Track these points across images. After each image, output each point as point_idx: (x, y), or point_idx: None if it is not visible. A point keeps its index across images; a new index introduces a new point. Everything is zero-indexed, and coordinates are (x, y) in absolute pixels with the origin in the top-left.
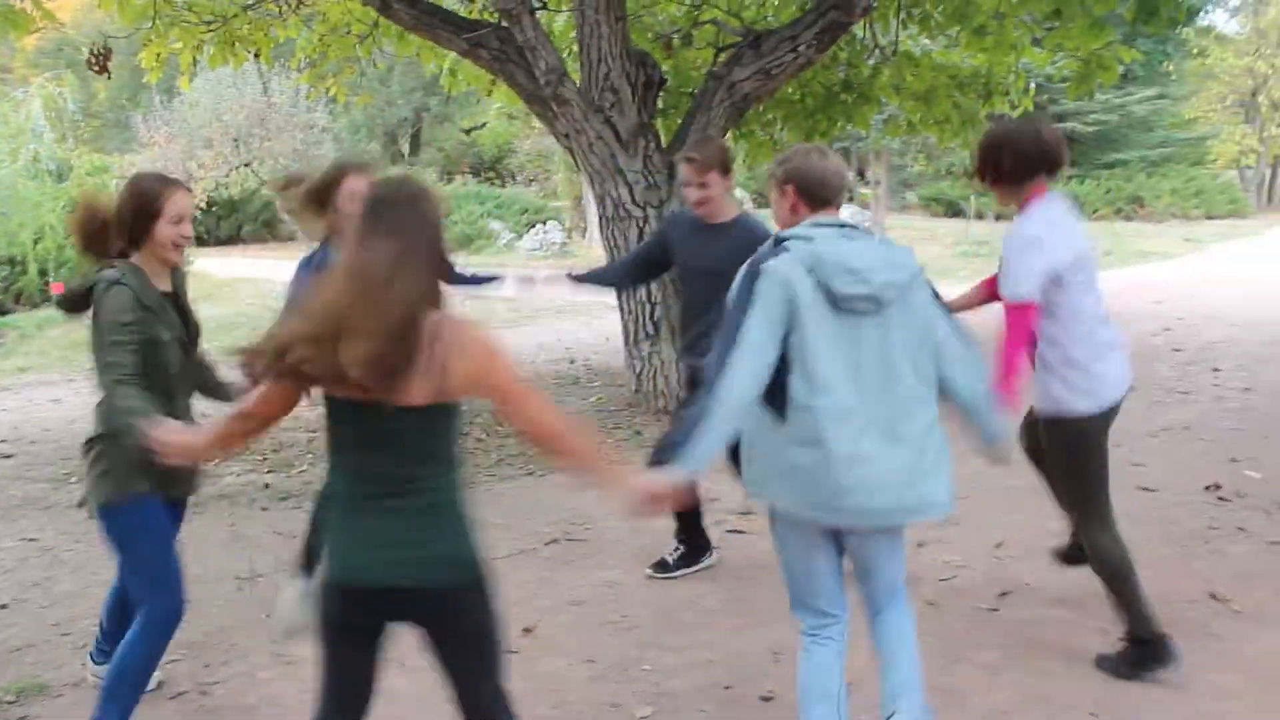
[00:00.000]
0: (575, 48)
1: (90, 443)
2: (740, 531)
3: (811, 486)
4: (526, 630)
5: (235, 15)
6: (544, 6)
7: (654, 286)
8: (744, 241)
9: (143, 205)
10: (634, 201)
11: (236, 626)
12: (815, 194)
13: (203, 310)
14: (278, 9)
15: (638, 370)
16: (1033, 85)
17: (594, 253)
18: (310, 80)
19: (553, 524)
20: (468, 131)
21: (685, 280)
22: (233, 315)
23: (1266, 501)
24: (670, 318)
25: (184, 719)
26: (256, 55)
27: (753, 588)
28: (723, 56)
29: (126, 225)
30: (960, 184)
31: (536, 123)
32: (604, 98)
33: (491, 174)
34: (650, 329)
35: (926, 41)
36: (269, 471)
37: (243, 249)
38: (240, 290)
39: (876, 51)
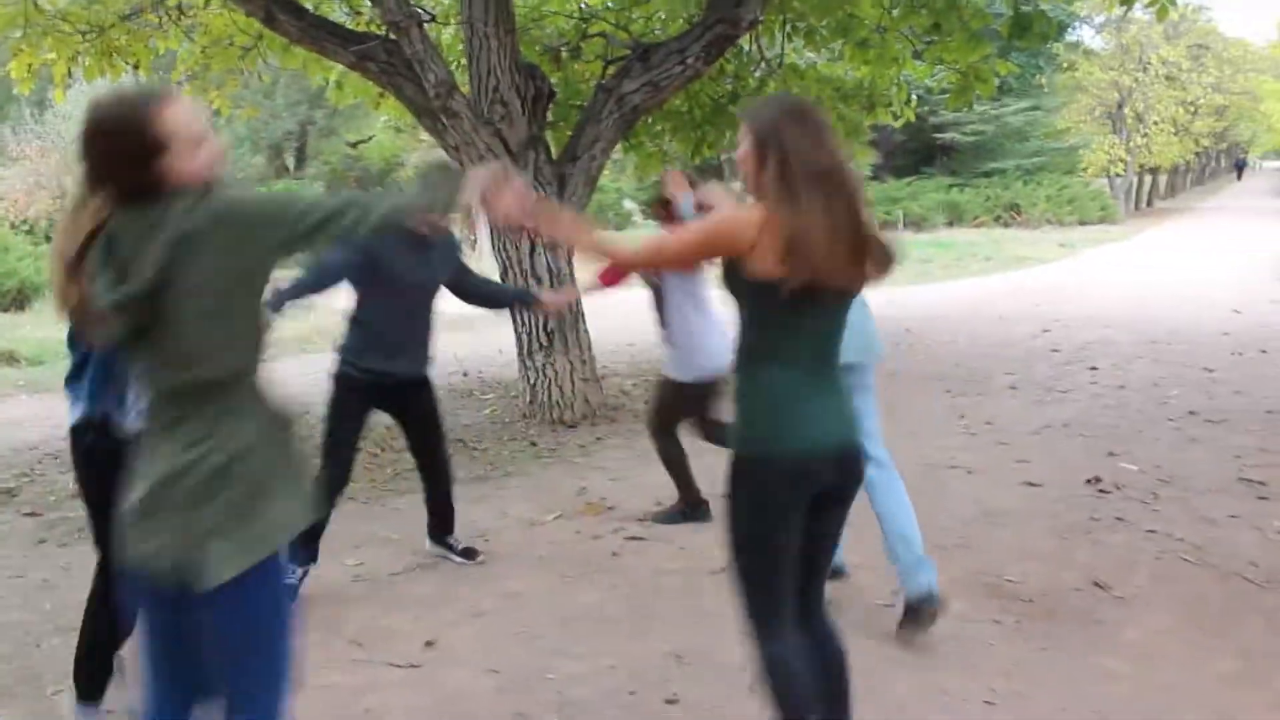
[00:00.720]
0: (464, 60)
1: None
2: (639, 539)
3: None
4: (429, 644)
5: (112, 25)
6: (433, 19)
7: None
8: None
9: None
10: None
11: (125, 656)
12: None
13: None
14: (158, 20)
15: (532, 382)
16: (914, 97)
17: (485, 265)
18: (193, 93)
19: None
20: (354, 145)
21: (393, 292)
22: None
23: (1143, 492)
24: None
25: None
26: (135, 67)
27: (653, 595)
28: (611, 69)
29: None
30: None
31: (425, 136)
32: (493, 110)
33: (379, 188)
34: (544, 340)
35: (811, 55)
36: None
37: None
38: None
39: (763, 64)
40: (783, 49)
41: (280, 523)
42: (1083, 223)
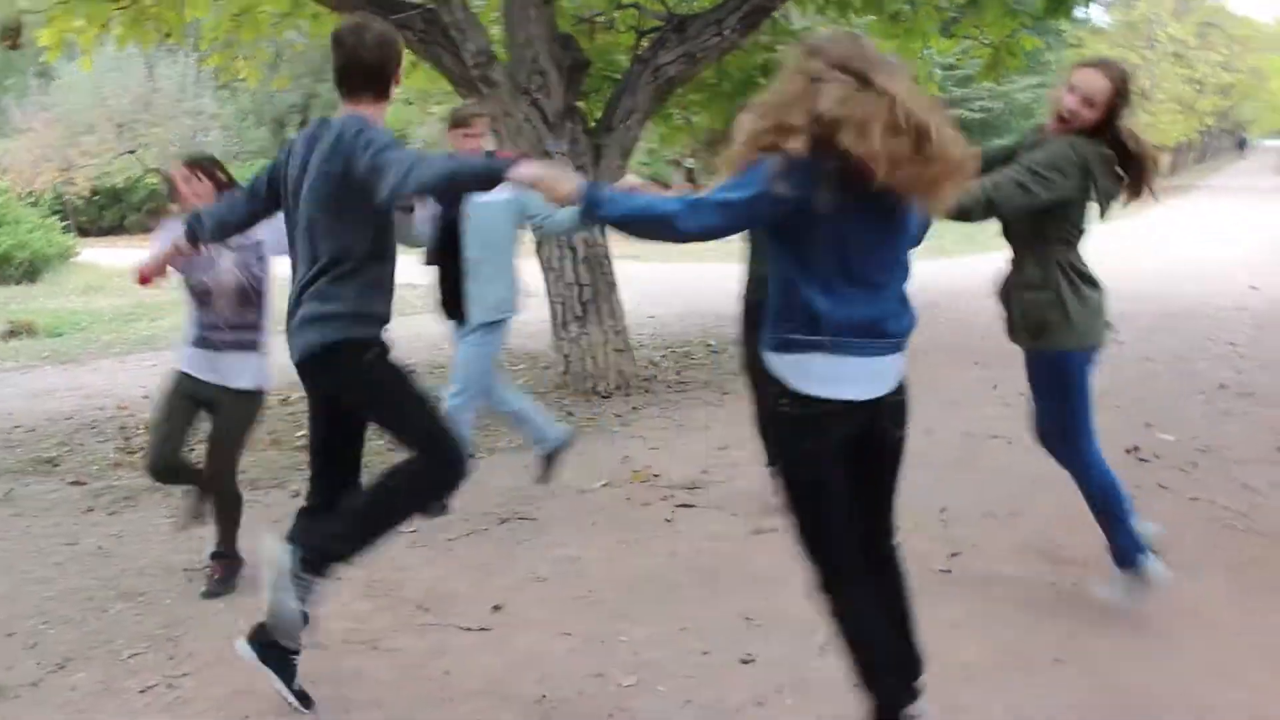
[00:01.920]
0: (497, 30)
1: None
2: (689, 505)
3: None
4: (496, 608)
5: None
6: None
7: (582, 268)
8: None
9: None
10: None
11: (193, 618)
12: None
13: (98, 302)
14: None
15: (566, 353)
16: (938, 71)
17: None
18: (221, 62)
19: (499, 504)
20: None
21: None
22: (130, 306)
23: (1181, 461)
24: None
25: (157, 713)
26: (168, 35)
27: (711, 558)
28: (645, 40)
29: None
30: None
31: (435, 108)
32: (531, 80)
33: None
34: (579, 311)
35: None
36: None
37: (128, 239)
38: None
39: (795, 37)
40: (812, 21)
41: None
42: None
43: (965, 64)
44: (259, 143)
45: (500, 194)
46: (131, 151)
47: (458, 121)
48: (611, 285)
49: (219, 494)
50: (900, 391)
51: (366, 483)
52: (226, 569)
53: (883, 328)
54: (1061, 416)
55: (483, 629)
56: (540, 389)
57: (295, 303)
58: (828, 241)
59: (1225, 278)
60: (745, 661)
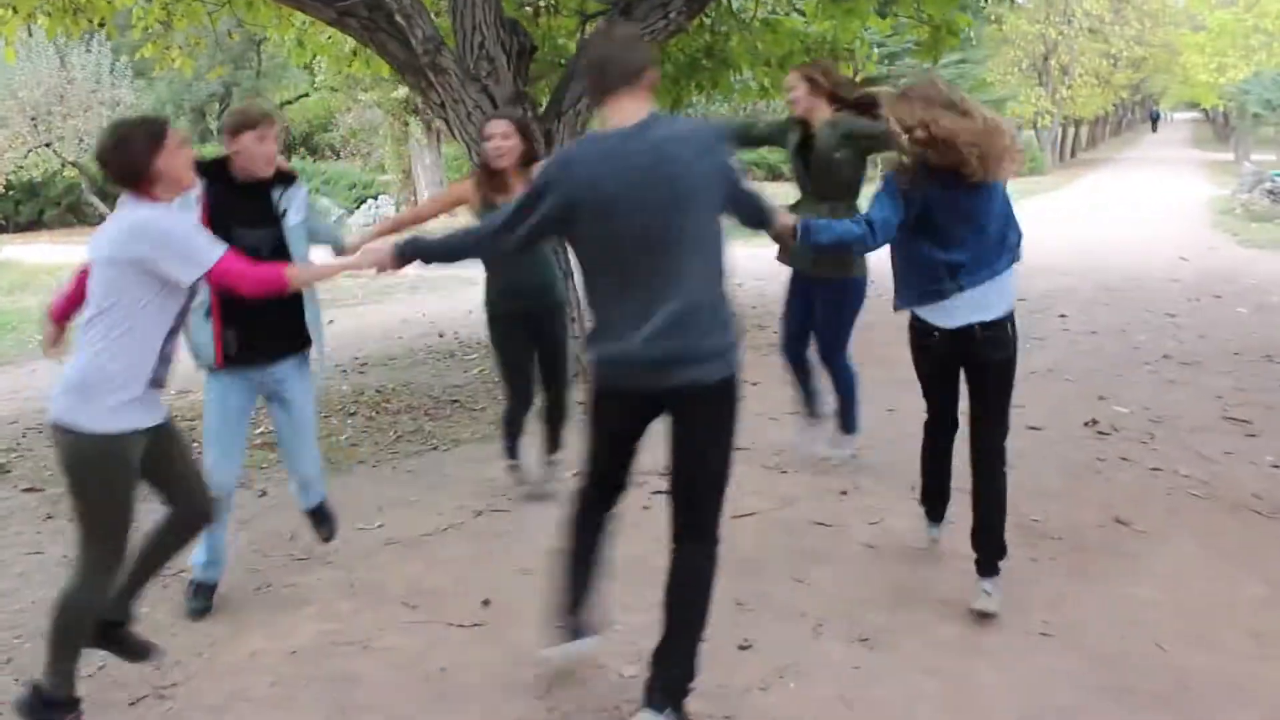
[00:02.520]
0: (443, 21)
1: None
2: (665, 492)
3: None
4: (485, 603)
5: None
6: None
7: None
8: None
9: None
10: None
11: (175, 623)
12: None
13: (25, 300)
14: None
15: None
16: (874, 50)
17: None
18: (156, 52)
19: (473, 496)
20: (281, 105)
21: None
22: None
23: (1139, 433)
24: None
25: None
26: (101, 25)
27: None
28: (591, 24)
29: None
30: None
31: (362, 95)
32: (480, 66)
33: (303, 149)
34: None
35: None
36: None
37: (49, 235)
38: (60, 277)
39: (732, 19)
40: (757, 4)
41: None
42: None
43: (897, 42)
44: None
45: None
46: (48, 145)
47: (244, 125)
48: (567, 273)
49: None
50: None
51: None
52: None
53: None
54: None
55: (476, 624)
56: (496, 377)
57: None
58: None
59: (1155, 250)
60: (743, 648)
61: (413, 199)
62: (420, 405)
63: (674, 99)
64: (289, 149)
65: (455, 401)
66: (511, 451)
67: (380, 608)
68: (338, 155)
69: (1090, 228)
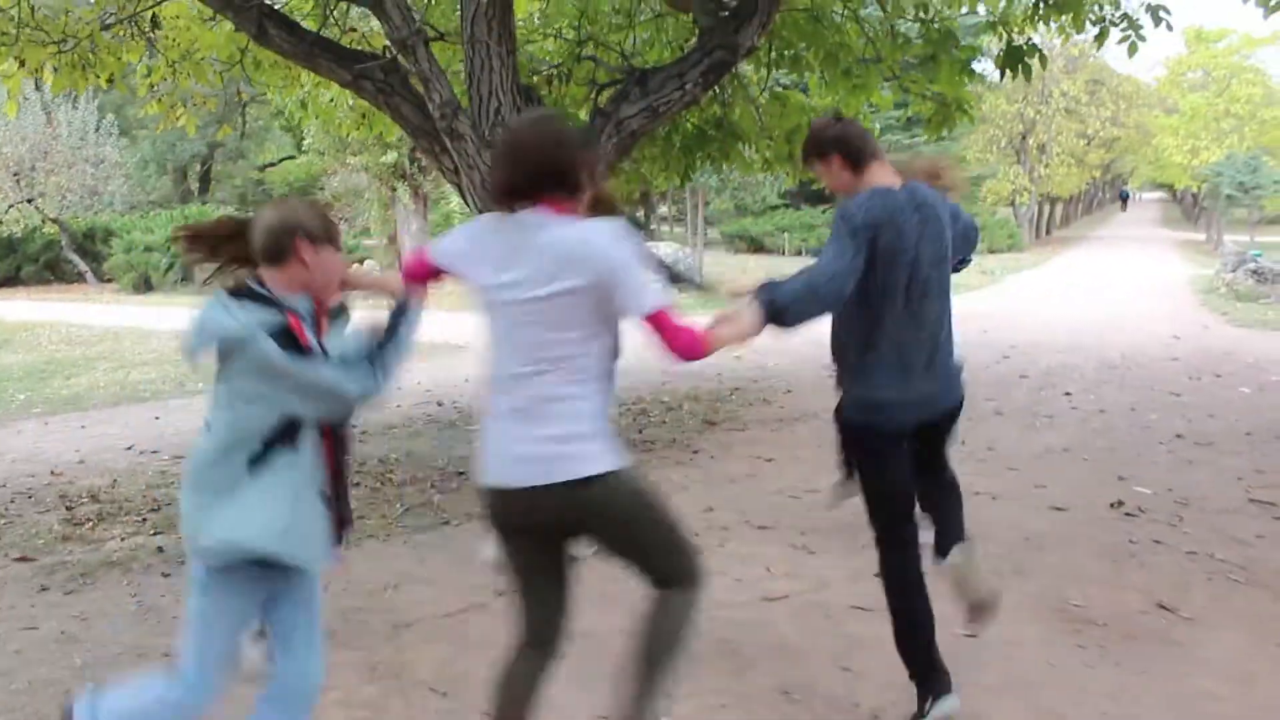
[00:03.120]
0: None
1: None
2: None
3: None
4: None
5: (88, 35)
6: (441, 37)
7: None
8: None
9: None
10: None
11: None
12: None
13: (6, 358)
14: (127, 32)
15: None
16: (878, 126)
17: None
18: (162, 110)
19: (492, 575)
20: (261, 169)
21: None
22: (42, 363)
23: (1167, 515)
24: None
25: None
26: (110, 81)
27: (733, 631)
28: (605, 93)
29: None
30: (761, 220)
31: (351, 159)
32: (495, 133)
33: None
34: None
35: (783, 82)
36: (155, 533)
37: (26, 291)
38: (40, 335)
39: (745, 91)
40: (769, 75)
41: None
42: (992, 251)
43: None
44: (161, 191)
45: None
46: (29, 200)
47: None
48: None
49: None
50: None
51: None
52: None
53: None
54: None
55: None
56: None
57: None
58: None
59: (1147, 328)
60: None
61: (398, 264)
62: (426, 477)
63: (685, 169)
64: None
65: (462, 474)
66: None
67: (407, 693)
68: None
69: (1081, 306)
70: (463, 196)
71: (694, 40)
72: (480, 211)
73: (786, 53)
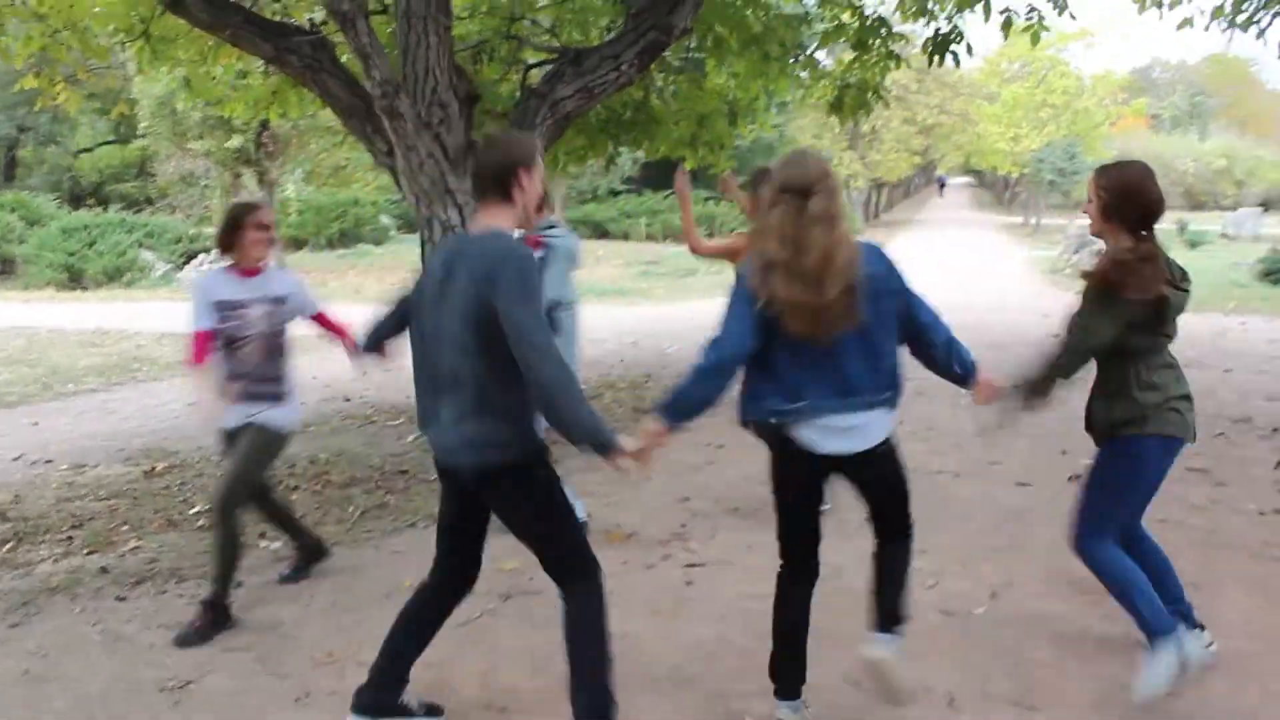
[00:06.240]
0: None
1: None
2: (698, 565)
3: None
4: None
5: None
6: (384, 10)
7: None
8: None
9: None
10: (464, 224)
11: None
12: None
13: None
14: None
15: None
16: (774, 109)
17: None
18: (43, 84)
19: (492, 578)
20: (76, 154)
21: None
22: None
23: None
24: None
25: None
26: None
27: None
28: (534, 73)
29: None
30: (604, 206)
31: (192, 144)
32: (432, 113)
33: (92, 200)
34: None
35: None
36: (89, 553)
37: None
38: None
39: (662, 74)
40: (689, 58)
41: None
42: None
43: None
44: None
45: None
46: None
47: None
48: None
49: (217, 527)
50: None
51: None
52: (208, 622)
53: None
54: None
55: None
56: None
57: None
58: None
59: (1015, 305)
60: None
61: None
62: (367, 477)
63: (601, 148)
64: (76, 200)
65: (403, 472)
66: None
67: (467, 715)
68: (150, 204)
69: (945, 289)
70: (395, 180)
71: (622, 21)
72: (414, 195)
73: (707, 37)
